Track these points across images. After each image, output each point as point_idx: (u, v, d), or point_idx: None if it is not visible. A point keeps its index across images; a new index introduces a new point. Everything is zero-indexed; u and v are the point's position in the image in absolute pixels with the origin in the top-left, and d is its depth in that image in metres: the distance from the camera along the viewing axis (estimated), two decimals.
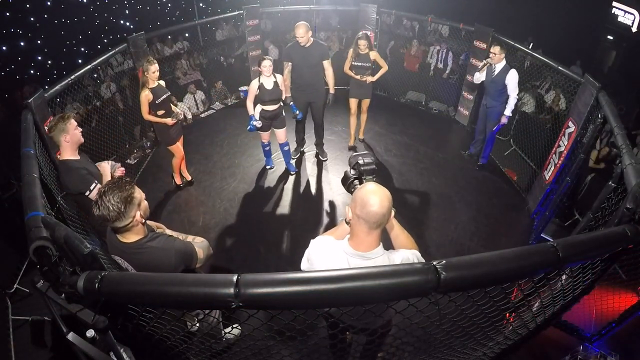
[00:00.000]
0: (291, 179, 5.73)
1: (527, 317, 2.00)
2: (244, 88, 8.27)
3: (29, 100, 3.61)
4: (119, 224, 2.08)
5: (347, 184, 2.29)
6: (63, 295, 1.41)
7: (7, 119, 7.28)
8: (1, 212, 4.97)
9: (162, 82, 4.89)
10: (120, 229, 2.12)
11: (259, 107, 5.04)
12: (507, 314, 2.00)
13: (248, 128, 5.01)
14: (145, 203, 2.21)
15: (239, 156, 6.28)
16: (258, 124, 4.96)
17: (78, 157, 3.32)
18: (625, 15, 10.51)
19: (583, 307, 3.29)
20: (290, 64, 5.19)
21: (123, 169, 3.60)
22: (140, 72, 4.65)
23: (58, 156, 3.41)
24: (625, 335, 3.26)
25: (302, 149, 6.28)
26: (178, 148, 5.17)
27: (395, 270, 1.21)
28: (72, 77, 4.55)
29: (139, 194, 2.16)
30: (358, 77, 5.62)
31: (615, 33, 10.98)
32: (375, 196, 1.80)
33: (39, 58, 10.32)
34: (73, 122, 3.24)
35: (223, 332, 3.04)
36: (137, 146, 6.71)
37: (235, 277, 1.17)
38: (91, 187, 3.20)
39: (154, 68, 4.59)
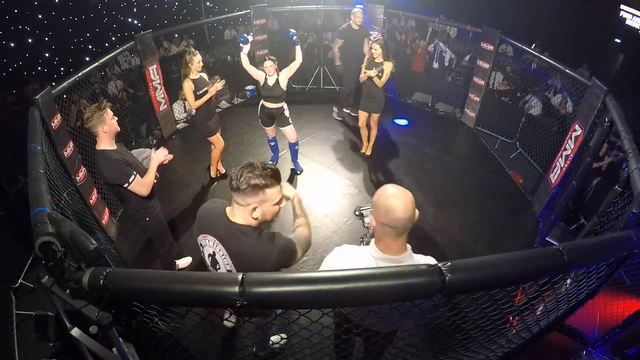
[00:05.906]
0: (297, 178, 5.73)
1: (530, 320, 2.00)
2: (250, 87, 8.30)
3: (36, 97, 3.61)
4: (245, 199, 2.01)
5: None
6: (68, 291, 1.41)
7: (14, 115, 7.32)
8: (7, 207, 4.99)
9: (205, 75, 4.93)
10: (240, 201, 2.03)
11: (261, 102, 5.20)
12: (511, 317, 1.99)
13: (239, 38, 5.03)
14: (274, 209, 2.12)
15: (245, 155, 6.28)
16: (250, 37, 4.99)
17: (115, 147, 3.26)
18: (633, 19, 10.46)
19: (587, 312, 3.27)
20: (342, 40, 6.59)
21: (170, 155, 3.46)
22: (184, 64, 4.71)
23: (96, 147, 3.24)
24: (629, 341, 3.24)
25: (346, 110, 7.39)
26: (218, 139, 5.25)
27: (400, 272, 1.21)
28: (80, 74, 4.56)
29: (278, 195, 2.09)
30: (370, 72, 5.14)
31: (623, 36, 10.94)
32: (398, 200, 1.71)
33: (47, 55, 10.39)
34: (109, 112, 3.17)
35: (271, 341, 3.06)
36: (143, 144, 6.73)
37: (240, 276, 1.17)
38: (130, 180, 3.13)
39: (197, 58, 4.65)
